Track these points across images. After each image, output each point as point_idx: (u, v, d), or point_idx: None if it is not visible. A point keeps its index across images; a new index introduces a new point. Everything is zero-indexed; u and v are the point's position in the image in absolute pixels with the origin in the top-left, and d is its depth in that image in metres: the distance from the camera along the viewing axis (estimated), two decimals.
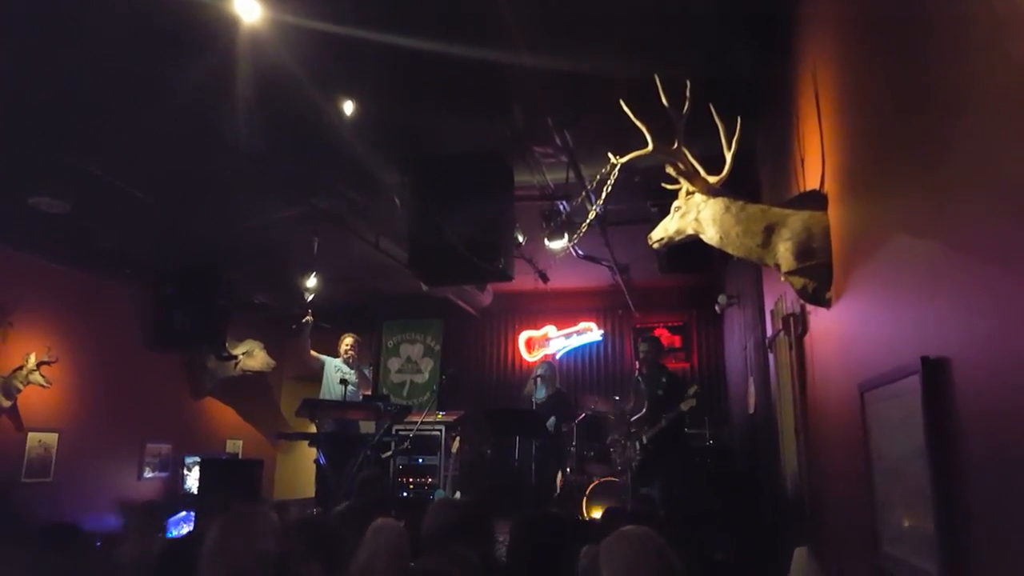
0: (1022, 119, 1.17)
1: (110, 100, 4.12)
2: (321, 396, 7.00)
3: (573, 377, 8.84)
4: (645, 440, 5.69)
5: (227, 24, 3.16)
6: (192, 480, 8.14)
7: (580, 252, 6.61)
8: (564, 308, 9.06)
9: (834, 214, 2.55)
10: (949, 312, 1.53)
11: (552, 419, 6.68)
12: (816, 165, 2.76)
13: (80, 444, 7.11)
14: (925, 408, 1.60)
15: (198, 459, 7.81)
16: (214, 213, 5.93)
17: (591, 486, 6.42)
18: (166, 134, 4.46)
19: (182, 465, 8.33)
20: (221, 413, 9.21)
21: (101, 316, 7.44)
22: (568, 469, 6.77)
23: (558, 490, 6.27)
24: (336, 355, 7.27)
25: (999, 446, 1.31)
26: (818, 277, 2.61)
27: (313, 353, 7.17)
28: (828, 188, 2.63)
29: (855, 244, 2.31)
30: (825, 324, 2.82)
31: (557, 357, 8.93)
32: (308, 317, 6.93)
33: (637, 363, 6.23)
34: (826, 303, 2.65)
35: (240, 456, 9.14)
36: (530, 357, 9.14)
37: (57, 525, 3.87)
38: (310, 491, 6.93)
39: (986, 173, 1.33)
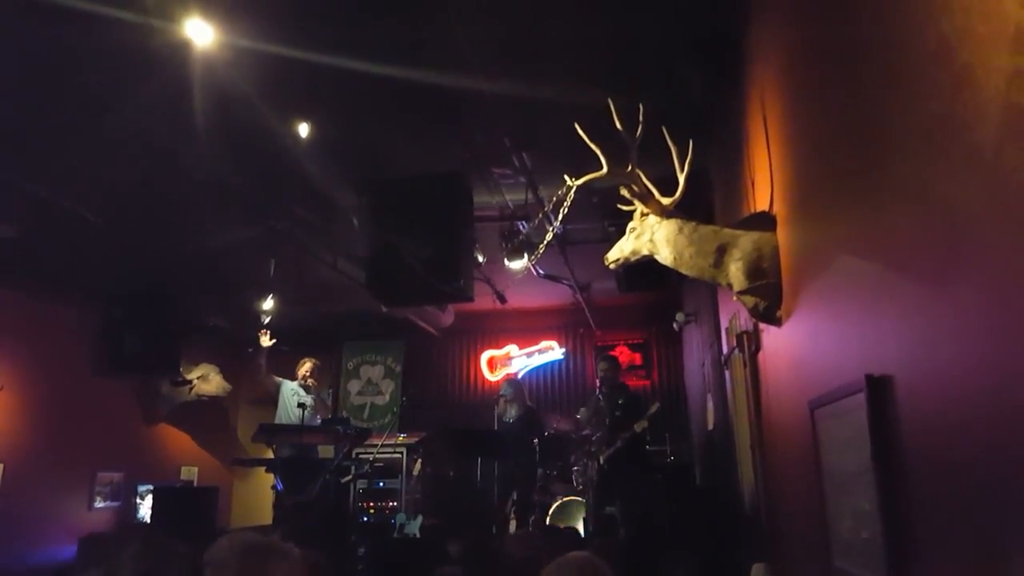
0: (952, 146, 1.23)
1: (58, 121, 4.02)
2: (277, 420, 6.86)
3: (536, 396, 8.82)
4: (602, 460, 5.71)
5: (179, 47, 3.12)
6: (145, 509, 7.88)
7: (541, 271, 6.65)
8: (526, 327, 9.08)
9: (782, 235, 2.62)
10: (892, 331, 1.58)
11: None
12: (765, 187, 2.84)
13: (26, 475, 6.80)
14: (871, 425, 1.64)
15: (151, 487, 7.57)
16: (166, 234, 5.80)
17: (554, 505, 6.40)
18: (117, 155, 4.37)
19: (134, 494, 8.05)
20: (175, 440, 8.94)
21: (48, 341, 7.16)
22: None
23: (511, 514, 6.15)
24: (294, 378, 7.15)
25: (941, 461, 1.35)
26: (768, 296, 2.67)
27: (270, 375, 7.04)
28: (776, 209, 2.70)
29: (802, 264, 2.37)
30: (777, 342, 2.88)
31: (520, 376, 8.91)
32: (265, 337, 6.80)
33: (597, 381, 6.27)
34: (777, 321, 2.71)
35: (195, 484, 8.89)
36: (492, 377, 9.12)
37: None
38: (268, 518, 6.76)
39: (921, 197, 1.38)
